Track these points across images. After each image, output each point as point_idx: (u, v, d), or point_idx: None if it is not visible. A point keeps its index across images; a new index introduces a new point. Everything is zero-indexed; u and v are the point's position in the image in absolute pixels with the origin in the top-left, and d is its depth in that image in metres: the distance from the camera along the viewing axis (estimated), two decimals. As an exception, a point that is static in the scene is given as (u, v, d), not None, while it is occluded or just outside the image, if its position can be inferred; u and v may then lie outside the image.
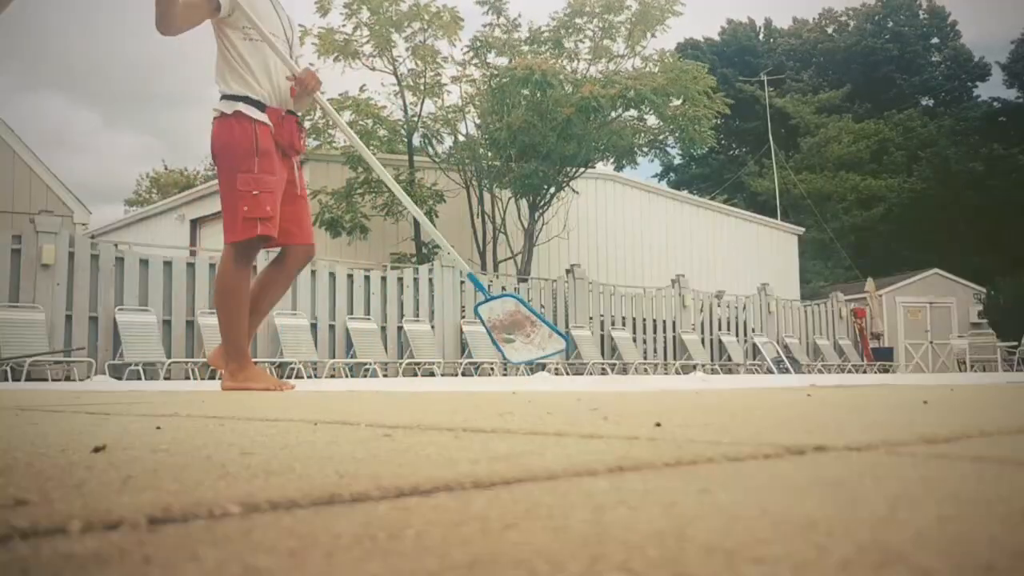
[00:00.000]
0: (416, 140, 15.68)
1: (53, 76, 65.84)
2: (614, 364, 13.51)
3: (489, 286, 12.66)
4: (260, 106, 3.69)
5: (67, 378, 8.55)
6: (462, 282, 12.30)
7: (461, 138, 15.88)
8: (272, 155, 3.68)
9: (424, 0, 14.59)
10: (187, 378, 9.22)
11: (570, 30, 15.63)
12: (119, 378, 8.61)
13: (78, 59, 68.86)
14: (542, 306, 13.53)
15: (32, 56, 62.53)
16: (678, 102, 15.04)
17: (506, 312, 4.10)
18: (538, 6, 16.92)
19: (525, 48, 15.35)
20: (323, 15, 14.49)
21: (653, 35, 15.45)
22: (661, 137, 16.53)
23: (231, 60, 3.69)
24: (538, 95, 14.36)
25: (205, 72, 74.96)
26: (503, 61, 15.27)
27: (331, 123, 14.69)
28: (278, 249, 4.01)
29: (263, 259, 5.97)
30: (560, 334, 4.20)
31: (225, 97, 3.69)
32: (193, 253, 13.47)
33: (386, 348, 11.18)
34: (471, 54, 15.44)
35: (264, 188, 3.64)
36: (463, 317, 12.19)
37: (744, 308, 16.54)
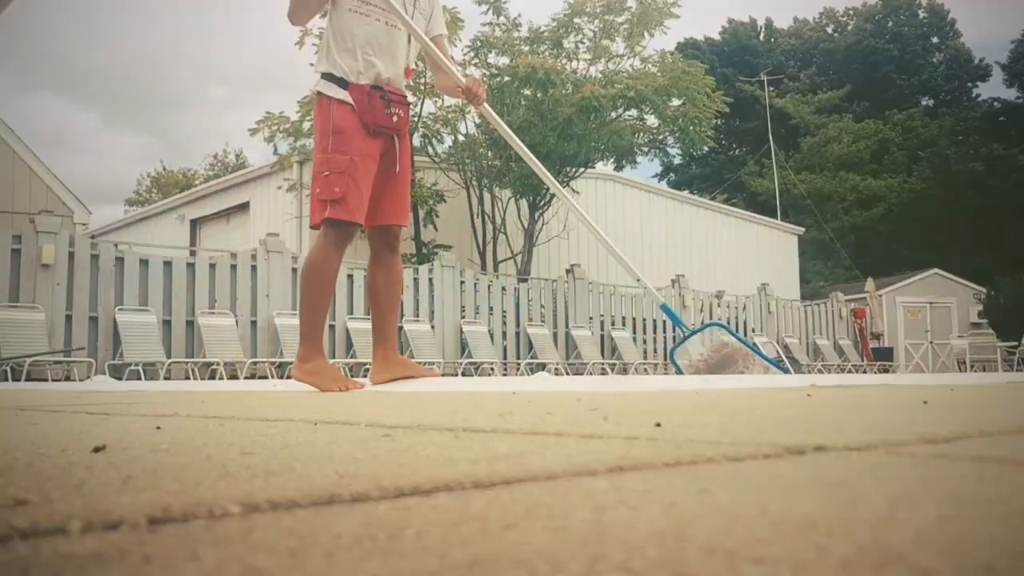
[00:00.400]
0: (416, 140, 15.68)
1: (53, 77, 65.85)
2: (614, 364, 13.51)
3: (489, 286, 12.69)
4: (342, 83, 3.54)
5: (67, 378, 8.54)
6: (462, 282, 12.30)
7: (461, 138, 15.88)
8: (349, 133, 3.50)
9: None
10: (187, 378, 9.22)
11: (569, 30, 15.62)
12: (119, 378, 8.61)
13: (78, 60, 68.87)
14: (542, 306, 13.53)
15: (32, 57, 62.54)
16: (678, 102, 15.03)
17: (712, 348, 3.80)
18: (538, 6, 16.92)
19: (525, 48, 15.34)
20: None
21: (651, 35, 15.45)
22: (661, 137, 16.53)
23: (325, 36, 3.64)
24: (539, 95, 14.35)
25: (204, 72, 75.02)
26: (503, 61, 15.27)
27: None
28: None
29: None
30: (777, 366, 3.77)
31: (321, 74, 3.61)
32: (193, 253, 13.48)
33: (386, 348, 11.17)
34: (472, 54, 15.43)
35: (334, 168, 3.47)
36: (463, 317, 12.19)
37: (744, 308, 16.55)
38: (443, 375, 11.00)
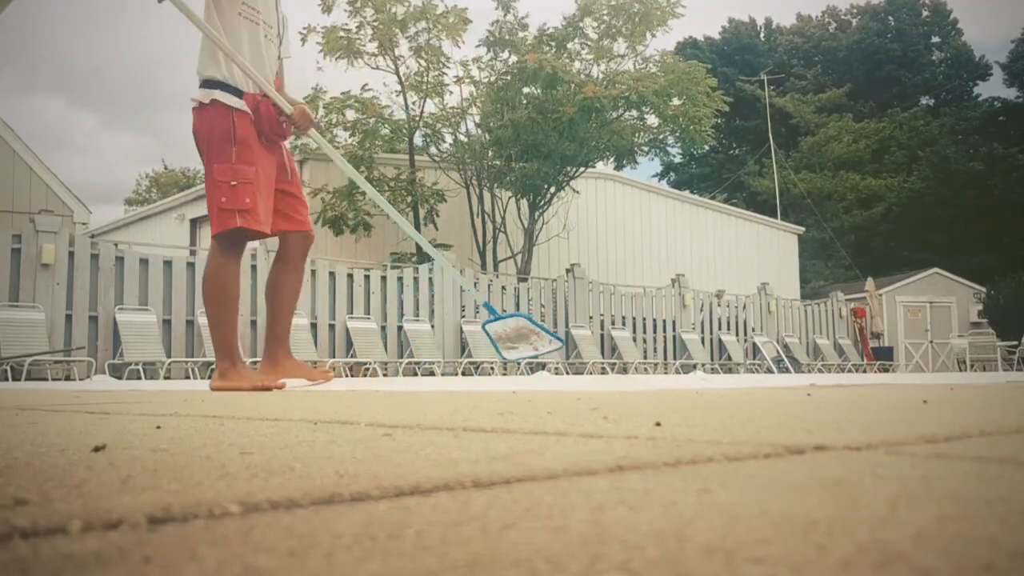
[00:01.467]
0: (418, 139, 15.68)
1: (52, 77, 65.87)
2: (614, 364, 13.51)
3: (489, 285, 12.70)
4: (238, 92, 3.53)
5: (67, 378, 8.54)
6: (462, 282, 12.31)
7: (462, 138, 15.88)
8: (252, 144, 3.54)
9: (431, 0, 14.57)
10: (187, 378, 9.22)
11: (576, 31, 15.64)
12: (119, 378, 8.61)
13: (76, 60, 68.89)
14: (542, 305, 13.53)
15: (31, 58, 62.56)
16: (678, 102, 15.03)
17: (514, 328, 4.19)
18: (545, 6, 16.91)
19: (532, 44, 15.34)
20: (327, 12, 14.48)
21: (654, 35, 15.45)
22: (661, 137, 16.53)
23: (209, 38, 3.51)
24: (543, 93, 14.36)
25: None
26: (511, 59, 15.27)
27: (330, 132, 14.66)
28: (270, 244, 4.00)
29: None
30: (557, 337, 4.40)
31: (203, 85, 3.53)
32: (193, 253, 13.47)
33: (386, 348, 11.18)
34: (484, 49, 15.42)
35: (242, 179, 3.48)
36: (463, 317, 12.19)
37: (744, 308, 16.54)
38: (443, 375, 11.03)
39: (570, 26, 15.52)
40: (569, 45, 15.64)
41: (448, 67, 15.13)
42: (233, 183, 3.48)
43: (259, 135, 3.58)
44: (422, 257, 14.29)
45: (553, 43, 15.45)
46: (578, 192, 16.49)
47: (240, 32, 3.55)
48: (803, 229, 24.52)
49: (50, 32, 67.38)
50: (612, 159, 17.63)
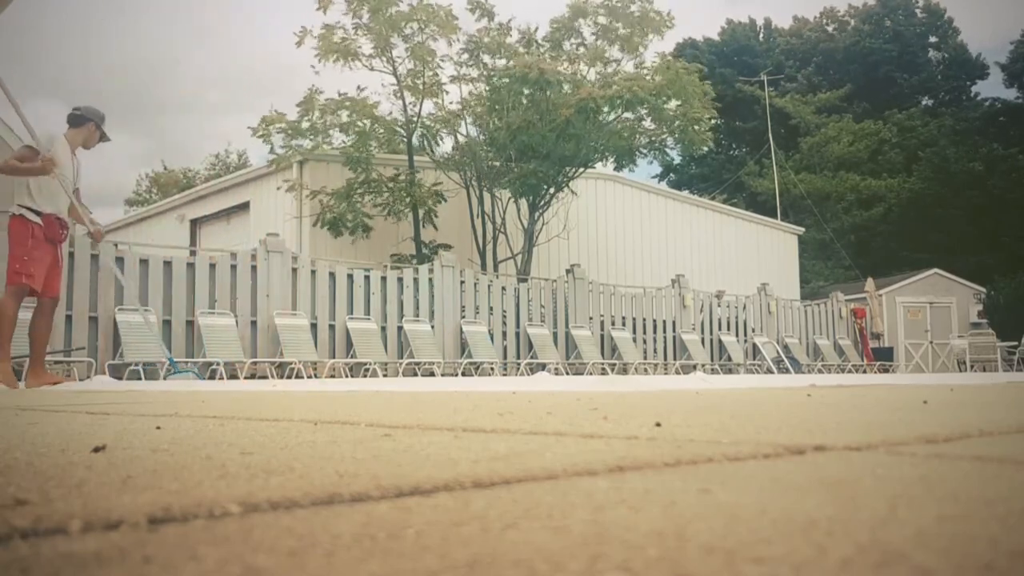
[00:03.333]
0: (416, 140, 15.67)
1: (50, 81, 65.87)
2: (614, 364, 13.51)
3: (489, 286, 12.72)
4: (38, 214, 6.12)
5: (67, 378, 8.53)
6: (462, 282, 12.31)
7: (461, 138, 15.87)
8: (40, 241, 6.15)
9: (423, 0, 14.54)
10: (187, 378, 9.21)
11: (569, 32, 15.62)
12: (119, 378, 8.60)
13: (75, 65, 68.90)
14: (542, 306, 13.53)
15: (29, 62, 62.55)
16: (676, 103, 15.02)
17: None
18: (538, 8, 16.87)
19: (521, 50, 15.33)
20: (323, 12, 14.44)
21: (650, 40, 15.47)
22: (662, 138, 16.52)
23: (28, 187, 6.12)
24: (536, 94, 14.35)
25: (201, 76, 75.01)
26: (500, 63, 15.26)
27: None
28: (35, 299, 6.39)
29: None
30: None
31: (20, 205, 6.11)
32: (193, 253, 13.47)
33: (386, 348, 11.18)
34: (466, 56, 15.41)
35: (32, 259, 6.10)
36: (463, 317, 12.20)
37: (744, 308, 16.55)
38: (443, 375, 11.02)
39: (561, 28, 15.49)
40: (565, 46, 15.62)
41: (442, 66, 15.11)
42: (26, 258, 6.08)
43: (45, 238, 6.18)
44: (421, 258, 14.28)
45: (547, 44, 15.41)
46: (576, 194, 16.48)
47: (48, 183, 6.19)
48: (803, 229, 24.53)
49: (48, 37, 67.39)
50: (612, 160, 17.64)
